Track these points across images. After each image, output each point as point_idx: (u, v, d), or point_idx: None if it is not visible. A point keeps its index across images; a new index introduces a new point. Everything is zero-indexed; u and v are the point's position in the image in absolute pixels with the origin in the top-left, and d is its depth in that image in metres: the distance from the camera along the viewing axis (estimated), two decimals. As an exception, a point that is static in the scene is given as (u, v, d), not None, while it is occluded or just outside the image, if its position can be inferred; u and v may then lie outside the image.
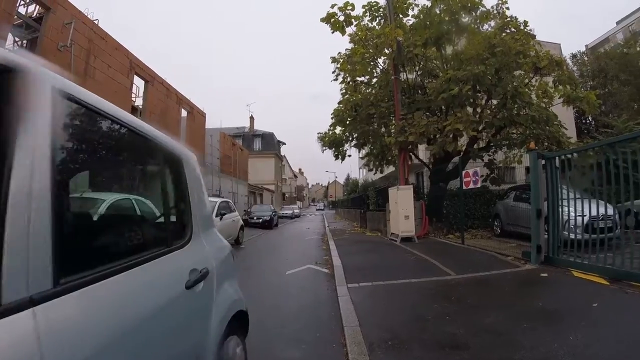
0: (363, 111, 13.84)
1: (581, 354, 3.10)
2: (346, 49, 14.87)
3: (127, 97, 14.06)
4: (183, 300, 1.72)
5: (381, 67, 14.69)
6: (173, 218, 2.11)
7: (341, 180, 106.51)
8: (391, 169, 20.91)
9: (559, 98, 12.42)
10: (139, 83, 15.79)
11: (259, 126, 55.90)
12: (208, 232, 2.36)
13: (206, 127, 24.05)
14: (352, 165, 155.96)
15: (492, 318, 4.03)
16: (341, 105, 15.10)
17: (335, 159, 16.35)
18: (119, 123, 1.47)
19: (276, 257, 10.42)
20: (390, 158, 16.16)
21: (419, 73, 14.98)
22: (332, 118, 15.32)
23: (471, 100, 12.63)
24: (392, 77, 13.22)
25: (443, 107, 13.20)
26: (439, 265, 7.29)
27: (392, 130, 13.26)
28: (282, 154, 62.11)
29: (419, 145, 14.16)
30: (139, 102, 16.33)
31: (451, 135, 12.36)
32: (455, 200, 13.03)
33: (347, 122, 14.73)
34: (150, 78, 15.63)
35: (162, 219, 2.00)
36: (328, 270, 7.62)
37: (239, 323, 2.39)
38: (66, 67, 9.57)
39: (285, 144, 56.13)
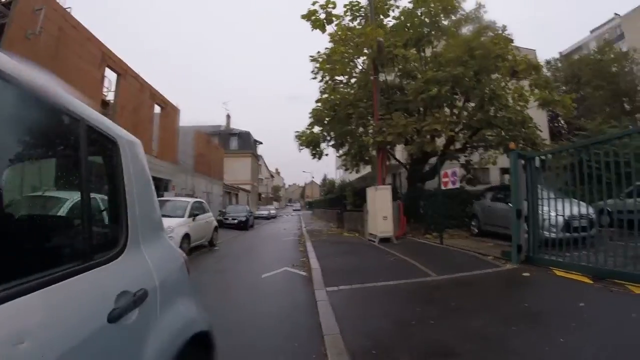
0: (342, 111, 13.67)
1: (576, 357, 2.95)
2: (325, 48, 14.69)
3: (98, 90, 13.33)
4: (102, 339, 1.22)
5: (360, 67, 14.57)
6: (99, 222, 1.63)
7: (318, 180, 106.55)
8: (368, 169, 20.90)
9: (535, 101, 12.60)
10: (111, 77, 15.11)
11: (236, 125, 55.25)
12: (154, 240, 1.86)
13: (180, 124, 23.44)
14: (329, 166, 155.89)
15: (479, 321, 3.86)
16: (319, 105, 14.90)
17: (313, 158, 16.13)
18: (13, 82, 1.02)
19: (251, 259, 10.08)
20: (367, 158, 16.05)
21: (398, 74, 14.96)
22: (310, 117, 15.11)
23: (449, 101, 12.70)
24: (372, 77, 13.10)
25: (421, 108, 13.20)
26: (419, 266, 7.15)
27: (371, 131, 13.14)
28: (259, 153, 61.49)
29: (396, 145, 14.09)
30: (110, 96, 15.61)
31: (429, 136, 12.38)
32: (432, 200, 13.02)
33: (326, 122, 14.54)
34: (123, 71, 14.91)
35: (79, 223, 1.38)
36: (306, 273, 7.34)
37: (198, 347, 1.89)
38: (34, 56, 8.92)
39: (262, 143, 55.51)
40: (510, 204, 9.71)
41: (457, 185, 11.00)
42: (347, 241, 12.55)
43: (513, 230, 6.93)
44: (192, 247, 10.47)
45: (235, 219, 21.24)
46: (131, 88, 15.70)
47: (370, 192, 12.10)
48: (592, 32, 40.51)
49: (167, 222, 9.48)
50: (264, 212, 38.98)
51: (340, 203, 22.29)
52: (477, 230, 12.04)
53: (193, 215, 10.73)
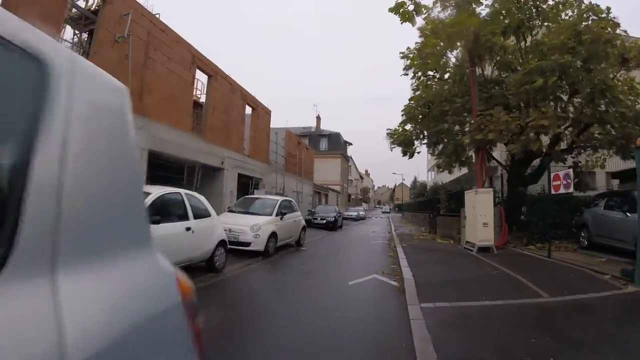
0: (436, 108, 12.77)
1: None
2: (416, 43, 13.88)
3: (189, 91, 14.22)
4: None
5: (454, 61, 13.49)
6: None
7: (408, 182, 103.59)
8: (464, 171, 19.41)
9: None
10: (202, 78, 16.03)
11: (326, 126, 56.22)
12: (113, 263, 1.01)
13: (271, 125, 24.33)
14: (420, 168, 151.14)
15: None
16: (412, 102, 14.14)
17: (403, 156, 15.36)
18: None
19: (339, 263, 9.81)
20: (464, 159, 14.84)
21: (495, 67, 13.60)
22: (402, 115, 14.39)
23: (556, 94, 11.15)
24: (468, 69, 12.02)
25: (522, 103, 11.77)
26: (527, 283, 6.21)
27: (468, 128, 12.04)
28: (349, 154, 61.71)
29: (496, 144, 12.76)
30: (202, 98, 16.62)
31: (534, 133, 10.95)
32: (536, 207, 11.54)
33: (419, 120, 13.71)
34: (214, 73, 15.72)
35: None
36: (397, 283, 6.81)
37: None
38: (124, 59, 9.66)
39: (352, 144, 55.61)
40: (628, 214, 8.20)
41: (571, 189, 9.51)
42: (441, 248, 11.66)
43: (639, 246, 5.75)
44: (279, 246, 10.54)
45: (324, 219, 21.30)
46: (222, 89, 16.49)
47: (469, 196, 11.05)
48: None
49: (254, 219, 9.80)
50: (353, 213, 38.84)
51: (432, 207, 21.08)
52: (586, 243, 10.40)
53: (281, 214, 10.81)
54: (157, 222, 5.42)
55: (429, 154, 26.86)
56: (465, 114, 12.54)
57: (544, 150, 11.88)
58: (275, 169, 22.60)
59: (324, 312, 5.14)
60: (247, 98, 19.16)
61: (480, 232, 9.84)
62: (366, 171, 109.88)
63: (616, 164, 16.53)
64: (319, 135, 50.53)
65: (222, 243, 7.48)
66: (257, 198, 12.14)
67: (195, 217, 6.77)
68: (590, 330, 4.05)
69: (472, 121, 11.55)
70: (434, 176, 46.87)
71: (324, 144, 50.13)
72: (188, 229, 6.42)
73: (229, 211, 10.96)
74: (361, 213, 42.60)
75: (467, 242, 10.81)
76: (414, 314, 4.46)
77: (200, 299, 1.38)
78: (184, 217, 6.53)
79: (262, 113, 21.44)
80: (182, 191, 7.05)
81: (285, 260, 9.86)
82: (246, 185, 19.08)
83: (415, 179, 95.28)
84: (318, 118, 53.65)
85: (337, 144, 49.82)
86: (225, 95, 16.89)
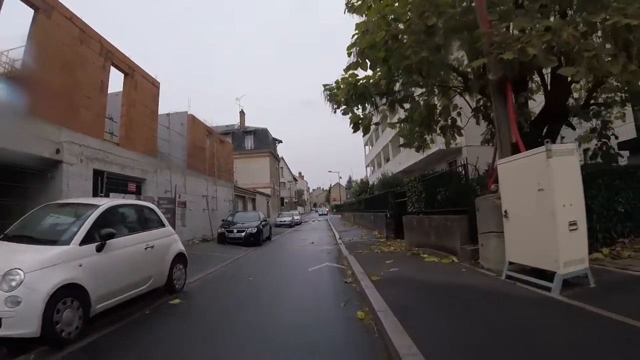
0: (416, 26, 7.11)
1: None
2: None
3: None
4: None
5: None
6: None
7: (343, 182, 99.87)
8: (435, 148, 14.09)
9: None
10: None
11: (251, 123, 49.40)
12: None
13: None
14: (355, 167, 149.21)
15: None
16: (363, 31, 8.35)
17: (355, 131, 9.64)
18: None
19: (244, 343, 3.71)
20: (446, 122, 9.48)
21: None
22: (349, 54, 8.60)
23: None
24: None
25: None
26: None
27: (485, 47, 6.43)
28: (280, 155, 55.50)
29: (533, 72, 7.47)
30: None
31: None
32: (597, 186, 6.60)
33: (382, 54, 7.92)
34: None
35: None
36: None
37: None
38: None
39: (281, 142, 49.47)
40: None
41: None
42: (447, 278, 5.88)
43: None
44: (112, 308, 4.40)
45: (242, 231, 15.05)
46: (60, 32, 9.80)
47: (523, 164, 5.22)
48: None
49: (16, 258, 3.56)
50: (287, 219, 32.79)
51: (386, 203, 15.76)
52: None
53: (100, 238, 4.52)
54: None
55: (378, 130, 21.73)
56: (466, 32, 7.06)
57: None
58: (171, 166, 15.88)
59: None
60: (113, 56, 12.35)
61: (564, 242, 4.21)
62: (300, 173, 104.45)
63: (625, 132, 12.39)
64: (243, 133, 43.81)
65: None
66: (64, 205, 5.67)
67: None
68: None
69: (486, 34, 6.09)
70: (374, 170, 42.36)
71: (249, 142, 43.53)
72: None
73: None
74: (296, 218, 36.71)
75: (510, 264, 5.19)
76: None
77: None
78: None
79: (143, 84, 14.63)
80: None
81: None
82: (123, 188, 12.33)
83: (350, 178, 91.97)
84: (242, 113, 46.89)
85: (264, 142, 43.44)
86: (69, 43, 10.17)
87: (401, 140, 11.88)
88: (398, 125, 10.98)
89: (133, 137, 13.43)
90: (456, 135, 10.16)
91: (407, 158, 25.04)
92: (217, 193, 20.68)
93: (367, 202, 23.71)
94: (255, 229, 15.18)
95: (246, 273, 8.78)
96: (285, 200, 60.94)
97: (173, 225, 12.83)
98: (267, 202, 40.07)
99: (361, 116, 9.84)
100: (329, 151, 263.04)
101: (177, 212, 14.25)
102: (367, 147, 47.60)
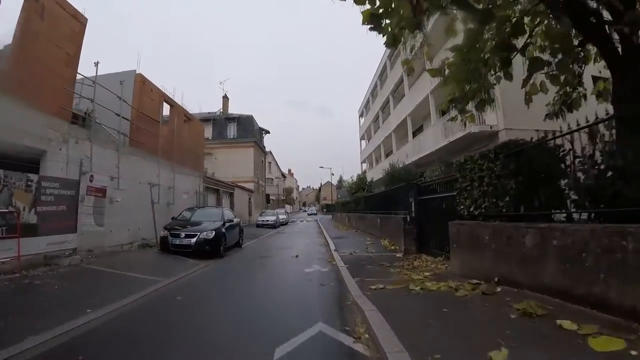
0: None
1: None
2: None
3: None
4: None
5: None
6: None
7: (334, 182, 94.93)
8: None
9: None
10: None
11: (236, 110, 44.18)
12: None
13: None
14: (346, 167, 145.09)
15: None
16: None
17: (384, 40, 5.02)
18: None
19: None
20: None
21: None
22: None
23: None
24: None
25: None
26: None
27: None
28: (268, 149, 50.49)
29: None
30: None
31: None
32: None
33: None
34: None
35: None
36: None
37: None
38: None
39: (269, 132, 44.43)
40: None
41: None
42: None
43: None
44: None
45: (192, 236, 10.18)
46: None
47: None
48: None
49: None
50: (270, 218, 27.82)
51: (404, 202, 11.10)
52: None
53: None
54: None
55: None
56: None
57: None
58: (90, 134, 10.85)
59: None
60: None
61: None
62: (289, 171, 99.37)
63: None
64: (226, 120, 38.82)
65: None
66: None
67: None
68: None
69: None
70: (371, 167, 37.57)
71: (232, 130, 38.56)
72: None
73: None
74: (282, 217, 31.80)
75: None
76: None
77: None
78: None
79: (56, 12, 9.76)
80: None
81: None
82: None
83: (341, 178, 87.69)
84: (225, 98, 41.83)
85: (249, 130, 38.46)
86: None
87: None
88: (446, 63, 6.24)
89: (30, 85, 8.54)
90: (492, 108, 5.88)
91: (419, 148, 20.40)
92: (175, 182, 15.74)
93: (369, 200, 18.93)
94: (213, 233, 10.31)
95: (160, 327, 4.01)
96: (272, 197, 55.97)
97: (69, 224, 7.99)
98: (249, 199, 35.15)
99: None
100: (319, 152, 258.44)
101: (86, 203, 9.31)
102: (363, 141, 42.90)
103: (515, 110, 12.28)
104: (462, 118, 6.90)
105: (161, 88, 16.41)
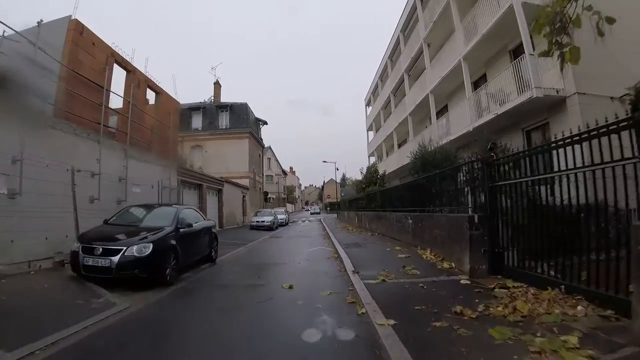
0: None
1: None
2: None
3: None
4: None
5: None
6: None
7: (337, 180, 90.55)
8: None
9: None
10: None
11: (229, 98, 39.71)
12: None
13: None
14: (349, 167, 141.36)
15: None
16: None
17: None
18: None
19: None
20: None
21: None
22: None
23: None
24: None
25: None
26: None
27: None
28: (267, 144, 46.35)
29: None
30: None
31: None
32: None
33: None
34: None
35: None
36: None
37: None
38: None
39: (266, 123, 40.18)
40: None
41: None
42: None
43: None
44: None
45: (113, 253, 6.03)
46: None
47: None
48: None
49: None
50: (266, 219, 23.64)
51: (446, 192, 7.08)
52: None
53: None
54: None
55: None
56: None
57: None
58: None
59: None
60: None
61: None
62: (291, 168, 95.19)
63: None
64: (217, 108, 34.64)
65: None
66: None
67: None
68: None
69: None
70: (380, 160, 33.31)
71: (224, 120, 34.40)
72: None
73: None
74: (280, 217, 27.66)
75: None
76: None
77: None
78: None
79: None
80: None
81: None
82: None
83: (344, 176, 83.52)
84: (217, 84, 37.53)
85: (243, 120, 34.31)
86: None
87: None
88: None
89: None
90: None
91: (446, 130, 16.26)
92: (129, 172, 11.62)
93: (388, 194, 14.74)
94: (150, 247, 6.12)
95: None
96: (272, 196, 51.80)
97: None
98: (244, 197, 30.99)
99: None
100: (321, 151, 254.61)
101: None
102: (370, 132, 38.62)
103: (587, 72, 8.86)
104: (562, 52, 3.12)
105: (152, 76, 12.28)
